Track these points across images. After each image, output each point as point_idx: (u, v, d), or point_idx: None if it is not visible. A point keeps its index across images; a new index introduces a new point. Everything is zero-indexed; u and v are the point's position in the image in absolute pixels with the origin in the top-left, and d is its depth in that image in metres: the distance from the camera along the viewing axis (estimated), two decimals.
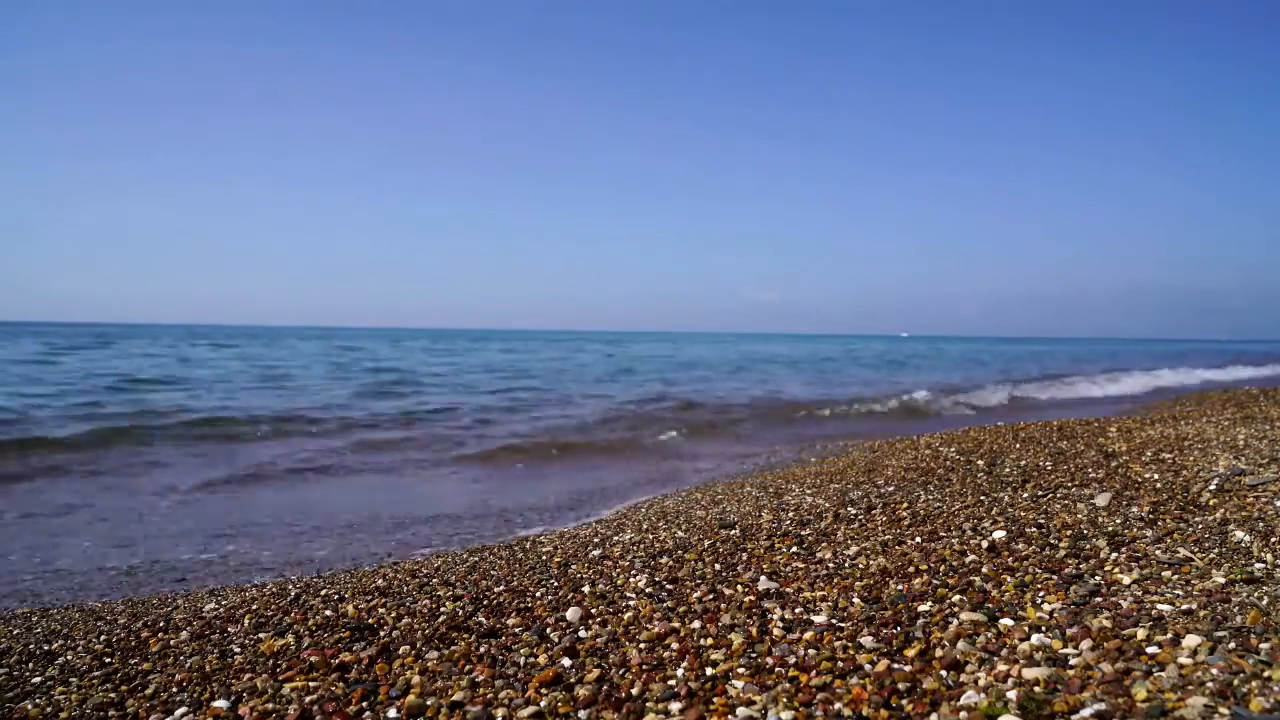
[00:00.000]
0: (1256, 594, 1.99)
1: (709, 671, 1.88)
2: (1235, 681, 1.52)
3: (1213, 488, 3.29)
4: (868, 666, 1.82)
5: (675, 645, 2.07)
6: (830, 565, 2.74)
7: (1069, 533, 2.81)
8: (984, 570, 2.48)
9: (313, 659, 2.16)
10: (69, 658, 2.43)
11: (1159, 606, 1.99)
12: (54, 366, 18.74)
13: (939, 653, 1.86)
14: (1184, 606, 1.96)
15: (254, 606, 2.80)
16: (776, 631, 2.11)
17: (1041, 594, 2.20)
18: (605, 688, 1.84)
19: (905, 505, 3.63)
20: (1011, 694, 1.59)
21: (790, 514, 3.71)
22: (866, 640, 1.97)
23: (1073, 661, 1.73)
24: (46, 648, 2.55)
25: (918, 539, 2.97)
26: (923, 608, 2.18)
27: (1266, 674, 1.53)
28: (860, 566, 2.68)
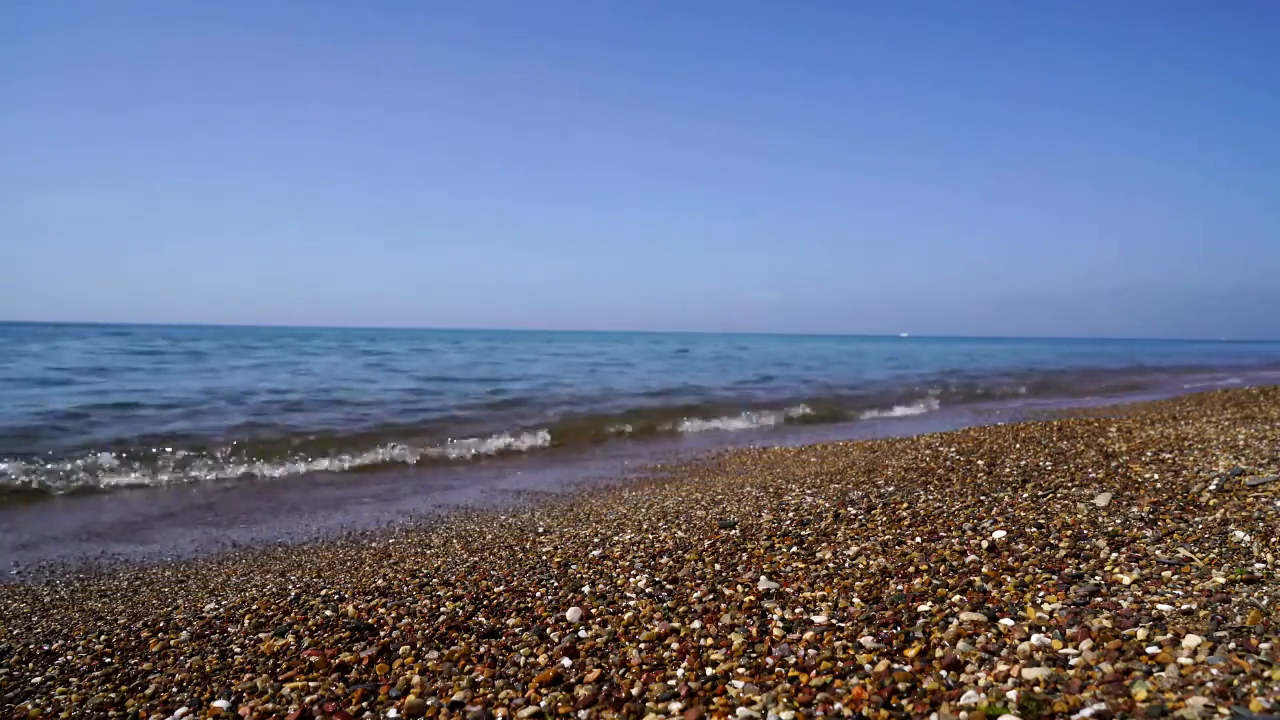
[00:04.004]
0: (1256, 594, 1.99)
1: (709, 671, 1.88)
2: (1235, 681, 1.52)
3: (1213, 488, 3.29)
4: (868, 666, 1.82)
5: (675, 645, 2.07)
6: (830, 565, 2.74)
7: (1069, 533, 2.81)
8: (984, 570, 2.48)
9: (313, 659, 2.16)
10: (69, 658, 2.43)
11: (1159, 606, 1.99)
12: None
13: (939, 653, 1.86)
14: (1184, 606, 1.96)
15: (254, 606, 2.80)
16: (776, 631, 2.11)
17: (1041, 594, 2.20)
18: (605, 688, 1.84)
19: (905, 505, 3.63)
20: (1011, 694, 1.59)
21: (790, 514, 3.71)
22: (866, 640, 1.97)
23: (1073, 661, 1.73)
24: (46, 648, 2.55)
25: (918, 539, 2.97)
26: (923, 608, 2.18)
27: (1266, 674, 1.53)
28: (860, 566, 2.68)
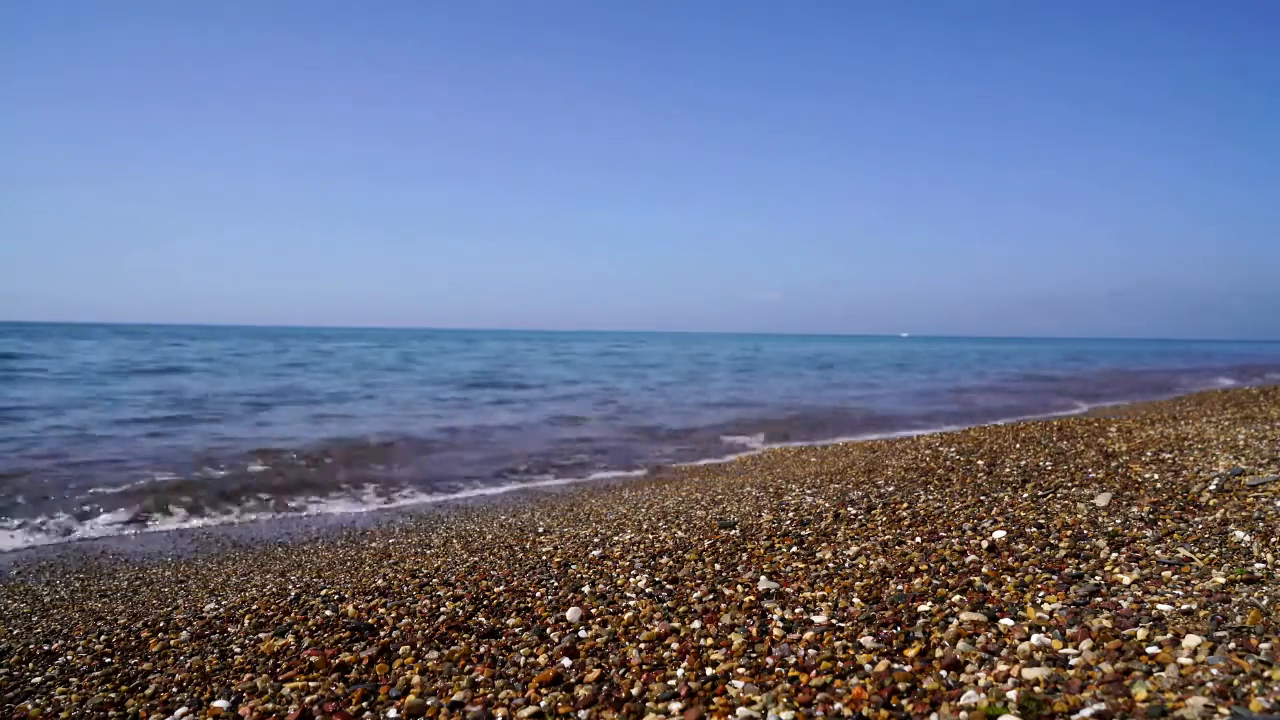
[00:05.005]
0: (1256, 594, 1.99)
1: (709, 671, 1.88)
2: (1235, 681, 1.52)
3: (1213, 488, 3.29)
4: (868, 666, 1.82)
5: (675, 645, 2.07)
6: (830, 565, 2.74)
7: (1069, 533, 2.81)
8: (984, 570, 2.48)
9: (313, 659, 2.16)
10: (69, 658, 2.43)
11: (1159, 606, 1.99)
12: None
13: (939, 653, 1.86)
14: (1184, 606, 1.96)
15: (254, 606, 2.80)
16: (776, 631, 2.11)
17: (1041, 594, 2.20)
18: (605, 688, 1.84)
19: (905, 505, 3.63)
20: (1011, 694, 1.59)
21: (790, 514, 3.71)
22: (866, 640, 1.97)
23: (1073, 661, 1.73)
24: (46, 648, 2.55)
25: (918, 539, 2.97)
26: (923, 608, 2.18)
27: (1266, 674, 1.53)
28: (860, 566, 2.68)
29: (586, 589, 2.67)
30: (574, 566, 3.05)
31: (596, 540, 3.60)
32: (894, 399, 15.55)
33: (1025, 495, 3.60)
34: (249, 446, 8.37)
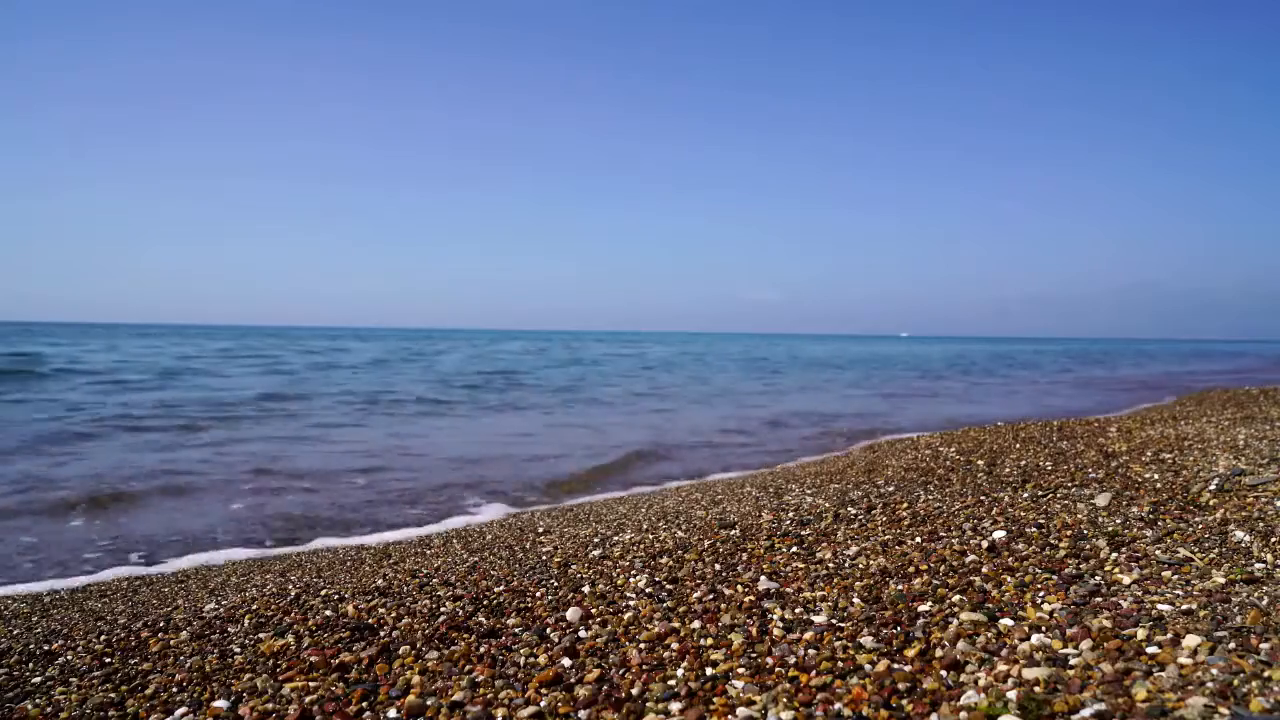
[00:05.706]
0: (1256, 594, 1.99)
1: (709, 671, 1.88)
2: (1235, 681, 1.52)
3: (1213, 488, 3.29)
4: (868, 666, 1.82)
5: (675, 645, 2.07)
6: (830, 565, 2.74)
7: (1069, 533, 2.81)
8: (984, 570, 2.48)
9: (313, 659, 2.16)
10: (69, 658, 2.43)
11: (1159, 606, 1.99)
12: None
13: (939, 653, 1.86)
14: (1184, 606, 1.96)
15: (254, 606, 2.80)
16: (776, 631, 2.11)
17: (1041, 594, 2.20)
18: (605, 688, 1.84)
19: (905, 505, 3.63)
20: (1011, 694, 1.59)
21: (790, 514, 3.71)
22: (866, 640, 1.97)
23: (1073, 661, 1.73)
24: (46, 648, 2.55)
25: (918, 539, 2.97)
26: (923, 608, 2.18)
27: (1266, 674, 1.53)
28: (860, 566, 2.68)
29: (586, 589, 2.67)
30: (574, 566, 3.05)
31: (596, 540, 3.60)
32: (1060, 392, 15.66)
33: (1025, 495, 3.60)
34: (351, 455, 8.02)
